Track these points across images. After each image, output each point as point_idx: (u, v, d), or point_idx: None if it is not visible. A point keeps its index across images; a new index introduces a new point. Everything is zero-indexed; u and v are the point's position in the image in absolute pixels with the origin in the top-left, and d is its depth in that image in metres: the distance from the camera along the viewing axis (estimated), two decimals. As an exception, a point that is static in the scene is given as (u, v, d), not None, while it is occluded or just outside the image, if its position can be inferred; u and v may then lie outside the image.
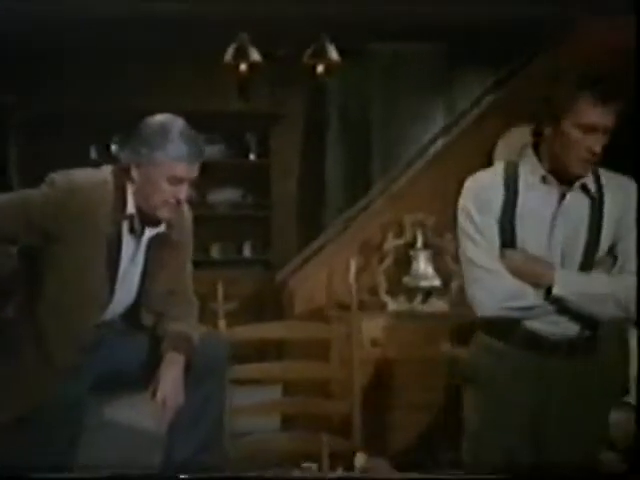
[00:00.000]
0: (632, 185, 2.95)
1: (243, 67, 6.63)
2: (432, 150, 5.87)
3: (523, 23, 6.12)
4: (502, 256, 2.90)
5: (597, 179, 2.91)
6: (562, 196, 2.88)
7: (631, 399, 3.49)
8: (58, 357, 3.02)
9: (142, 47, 7.25)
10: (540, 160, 2.89)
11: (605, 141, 2.81)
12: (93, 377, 3.08)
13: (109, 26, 6.69)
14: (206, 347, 3.16)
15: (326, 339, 4.13)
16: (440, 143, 5.89)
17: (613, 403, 3.27)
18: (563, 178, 2.87)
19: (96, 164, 3.15)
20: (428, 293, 5.21)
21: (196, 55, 7.33)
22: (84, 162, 3.22)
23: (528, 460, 2.92)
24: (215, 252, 8.28)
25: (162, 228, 3.11)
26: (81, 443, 3.13)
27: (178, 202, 3.02)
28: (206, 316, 3.40)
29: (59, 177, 3.00)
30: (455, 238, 4.98)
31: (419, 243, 5.26)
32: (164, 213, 3.03)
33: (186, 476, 2.83)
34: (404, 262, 5.30)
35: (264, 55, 6.66)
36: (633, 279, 2.87)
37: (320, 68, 6.78)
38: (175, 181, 2.98)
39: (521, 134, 5.37)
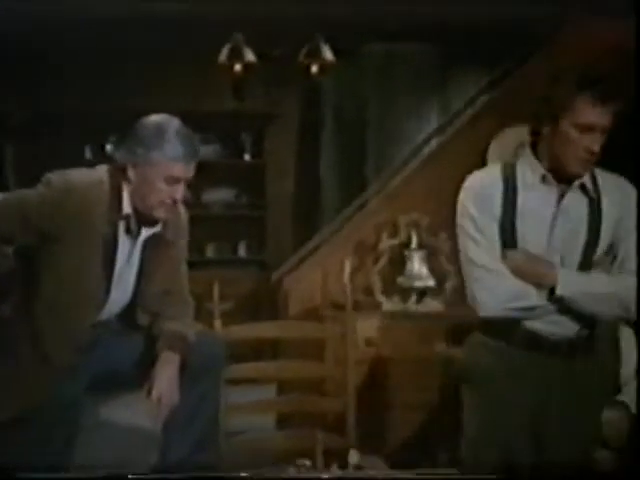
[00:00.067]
0: (629, 186, 2.96)
1: (238, 67, 6.63)
2: (426, 150, 5.89)
3: (518, 23, 6.13)
4: (503, 256, 2.89)
5: (593, 179, 2.92)
6: (561, 196, 2.88)
7: (623, 397, 3.51)
8: (55, 357, 3.02)
9: (138, 47, 7.24)
10: (539, 160, 2.89)
11: (603, 141, 2.81)
12: (89, 377, 3.08)
13: (105, 26, 6.67)
14: (202, 346, 3.17)
15: (321, 339, 4.14)
16: (434, 143, 5.91)
17: (606, 401, 3.28)
18: (561, 178, 2.87)
19: (91, 164, 3.16)
20: (422, 293, 5.23)
21: (191, 55, 7.32)
22: (79, 162, 3.22)
23: (527, 460, 2.91)
24: (210, 252, 8.27)
25: (158, 228, 3.11)
26: (77, 443, 3.14)
27: (174, 202, 3.03)
28: (202, 316, 3.42)
29: (55, 177, 3.01)
30: (449, 238, 5.11)
31: (413, 243, 5.27)
32: (161, 213, 3.04)
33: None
34: (399, 262, 5.31)
35: (259, 55, 6.66)
36: (633, 279, 2.88)
37: (314, 68, 6.78)
38: (171, 181, 2.99)
39: (515, 134, 5.42)
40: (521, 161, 2.94)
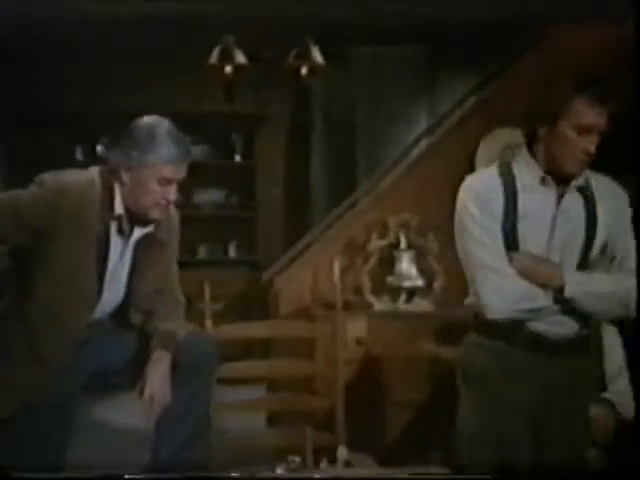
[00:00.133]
0: (618, 187, 3.00)
1: (228, 69, 6.64)
2: (415, 151, 5.90)
3: (506, 24, 6.14)
4: (509, 258, 2.89)
5: (586, 179, 2.94)
6: (560, 197, 2.90)
7: (608, 395, 3.53)
8: (49, 356, 3.04)
9: (128, 49, 7.24)
10: (536, 161, 2.90)
11: (598, 142, 2.83)
12: (83, 376, 3.11)
13: (95, 27, 6.65)
14: (193, 345, 3.19)
15: (311, 338, 4.16)
16: (423, 144, 5.92)
17: (594, 399, 3.31)
18: (558, 178, 2.89)
19: (82, 165, 3.17)
20: (412, 293, 5.24)
21: (181, 57, 7.32)
22: (70, 163, 3.24)
23: (526, 460, 2.91)
24: (201, 253, 8.27)
25: (150, 228, 3.13)
26: (72, 443, 3.16)
27: (168, 202, 3.05)
28: (193, 316, 3.43)
29: (48, 177, 3.03)
30: (438, 238, 5.14)
31: (403, 244, 5.29)
32: (155, 214, 3.06)
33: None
34: (388, 262, 5.32)
35: (249, 57, 6.68)
36: (632, 278, 2.89)
37: (304, 70, 6.79)
38: (164, 182, 3.02)
39: (503, 136, 5.46)
40: (518, 162, 2.94)
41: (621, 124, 2.86)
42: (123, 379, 3.20)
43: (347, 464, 2.85)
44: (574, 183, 2.89)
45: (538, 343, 2.92)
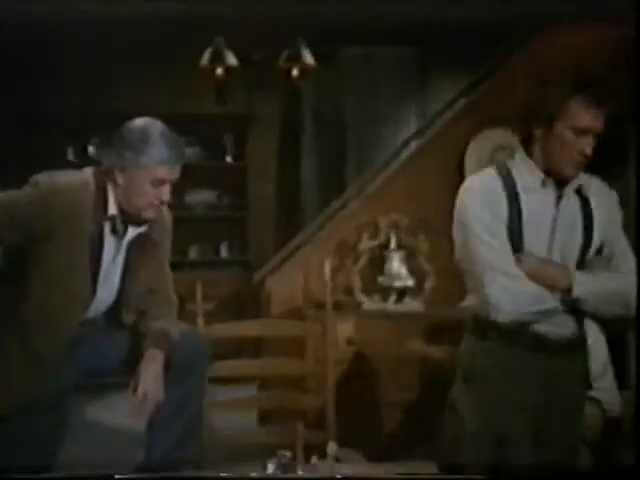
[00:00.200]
0: (607, 187, 3.02)
1: (219, 71, 6.66)
2: (405, 152, 5.91)
3: (496, 25, 6.14)
4: (516, 260, 2.88)
5: (580, 180, 2.95)
6: (558, 197, 2.91)
7: (593, 392, 3.56)
8: (44, 356, 3.06)
9: (120, 49, 7.25)
10: (534, 162, 2.91)
11: (594, 143, 2.84)
12: (77, 375, 3.13)
13: (88, 27, 6.65)
14: (186, 344, 3.20)
15: (302, 337, 4.19)
16: (413, 145, 5.94)
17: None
18: (555, 180, 2.90)
19: (73, 165, 3.20)
20: (402, 293, 5.25)
21: (173, 58, 7.34)
22: (61, 163, 3.26)
23: (527, 460, 2.92)
24: (193, 253, 8.29)
25: (144, 228, 3.15)
26: (65, 442, 3.18)
27: (161, 203, 3.08)
28: (185, 317, 3.44)
29: (42, 178, 3.05)
30: (428, 239, 5.16)
31: (393, 244, 5.30)
32: (149, 214, 3.09)
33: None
34: (379, 262, 5.33)
35: (240, 59, 6.69)
36: (631, 276, 2.92)
37: (295, 72, 6.82)
38: (158, 183, 3.04)
39: (493, 136, 5.49)
40: (516, 164, 2.95)
41: (616, 126, 2.89)
42: (117, 378, 3.22)
43: (337, 459, 2.87)
44: (572, 184, 2.91)
45: (541, 344, 2.93)
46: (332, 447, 2.89)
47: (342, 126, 8.02)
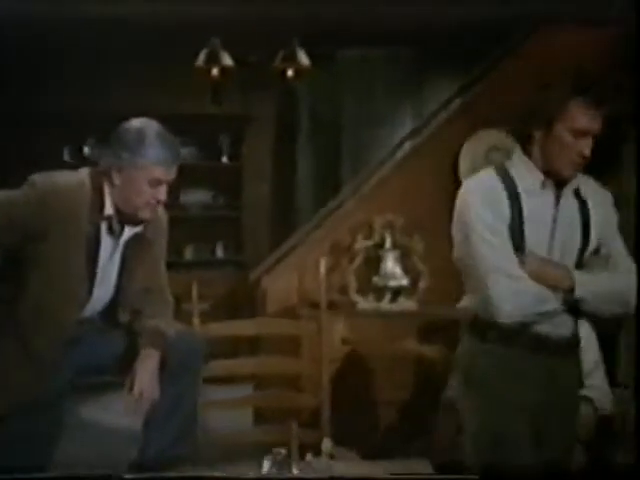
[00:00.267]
0: (601, 188, 3.04)
1: (215, 71, 6.67)
2: (400, 153, 5.93)
3: (492, 26, 6.15)
4: (519, 260, 2.89)
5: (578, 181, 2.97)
6: (557, 198, 2.93)
7: (585, 391, 3.58)
8: (40, 354, 3.07)
9: (116, 49, 7.26)
10: (533, 164, 2.92)
11: (592, 145, 2.86)
12: (74, 373, 3.15)
13: (85, 27, 6.66)
14: (181, 343, 3.22)
15: (297, 336, 4.20)
16: (408, 146, 5.95)
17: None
18: (554, 180, 2.92)
19: (69, 166, 3.21)
20: (396, 292, 5.25)
21: (170, 58, 7.35)
22: (57, 163, 3.27)
23: (529, 461, 2.92)
24: (188, 253, 8.31)
25: (140, 228, 3.17)
26: (61, 442, 3.20)
27: (158, 202, 3.10)
28: (181, 317, 3.45)
29: (40, 178, 3.06)
30: (423, 239, 5.17)
31: (388, 244, 5.30)
32: (146, 213, 3.10)
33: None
34: (373, 262, 5.34)
35: (235, 60, 6.71)
36: (630, 276, 2.94)
37: (290, 72, 6.83)
38: (155, 183, 3.06)
39: (487, 137, 5.51)
40: (515, 164, 2.96)
41: (609, 127, 2.90)
42: (112, 376, 3.24)
43: (331, 456, 2.89)
44: (571, 185, 2.93)
45: (542, 344, 2.95)
46: (327, 444, 2.91)
47: (338, 127, 8.04)
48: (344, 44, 7.63)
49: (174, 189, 3.21)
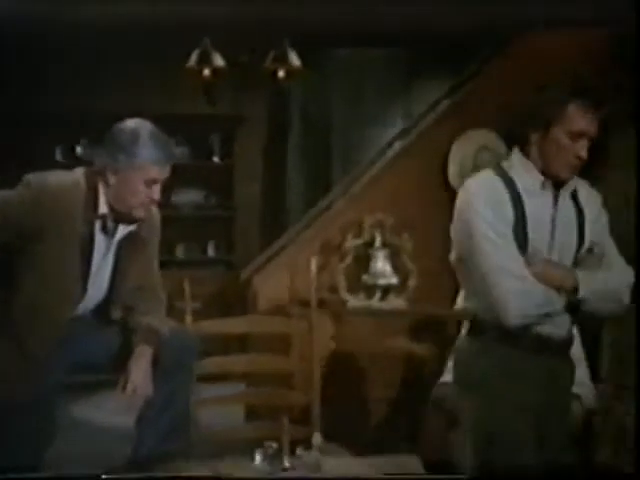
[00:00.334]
0: (593, 189, 3.08)
1: (207, 72, 6.69)
2: (390, 153, 5.95)
3: (482, 28, 6.16)
4: (524, 261, 2.89)
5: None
6: (555, 199, 2.96)
7: (574, 388, 3.62)
8: (36, 354, 3.09)
9: (108, 49, 7.27)
10: (533, 165, 2.94)
11: (589, 147, 2.89)
12: (68, 370, 3.17)
13: (77, 28, 6.68)
14: (175, 340, 3.25)
15: (288, 334, 4.23)
16: (398, 146, 5.97)
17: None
18: (552, 181, 2.94)
19: (62, 166, 3.23)
20: (386, 291, 5.27)
21: (161, 58, 7.36)
22: (50, 163, 3.29)
23: (532, 461, 2.93)
24: (180, 252, 8.33)
25: (134, 227, 3.19)
26: (55, 441, 3.21)
27: (152, 201, 3.13)
28: (173, 315, 3.47)
29: (34, 178, 3.08)
30: (412, 238, 5.21)
31: (378, 243, 5.32)
32: (140, 212, 3.13)
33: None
34: (363, 261, 5.36)
35: (227, 60, 6.72)
36: (624, 275, 2.99)
37: (281, 73, 6.85)
38: (149, 183, 3.09)
39: (476, 137, 5.54)
40: (514, 165, 2.97)
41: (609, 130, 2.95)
42: (105, 374, 3.27)
43: (321, 451, 2.93)
44: (568, 186, 2.96)
45: (544, 345, 2.97)
46: (317, 438, 2.94)
47: (329, 127, 8.07)
48: (335, 45, 7.64)
49: (166, 188, 3.24)
